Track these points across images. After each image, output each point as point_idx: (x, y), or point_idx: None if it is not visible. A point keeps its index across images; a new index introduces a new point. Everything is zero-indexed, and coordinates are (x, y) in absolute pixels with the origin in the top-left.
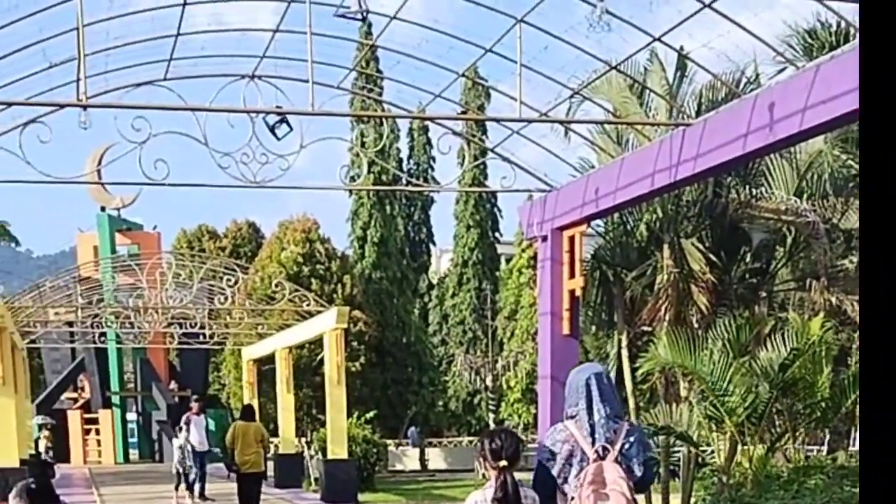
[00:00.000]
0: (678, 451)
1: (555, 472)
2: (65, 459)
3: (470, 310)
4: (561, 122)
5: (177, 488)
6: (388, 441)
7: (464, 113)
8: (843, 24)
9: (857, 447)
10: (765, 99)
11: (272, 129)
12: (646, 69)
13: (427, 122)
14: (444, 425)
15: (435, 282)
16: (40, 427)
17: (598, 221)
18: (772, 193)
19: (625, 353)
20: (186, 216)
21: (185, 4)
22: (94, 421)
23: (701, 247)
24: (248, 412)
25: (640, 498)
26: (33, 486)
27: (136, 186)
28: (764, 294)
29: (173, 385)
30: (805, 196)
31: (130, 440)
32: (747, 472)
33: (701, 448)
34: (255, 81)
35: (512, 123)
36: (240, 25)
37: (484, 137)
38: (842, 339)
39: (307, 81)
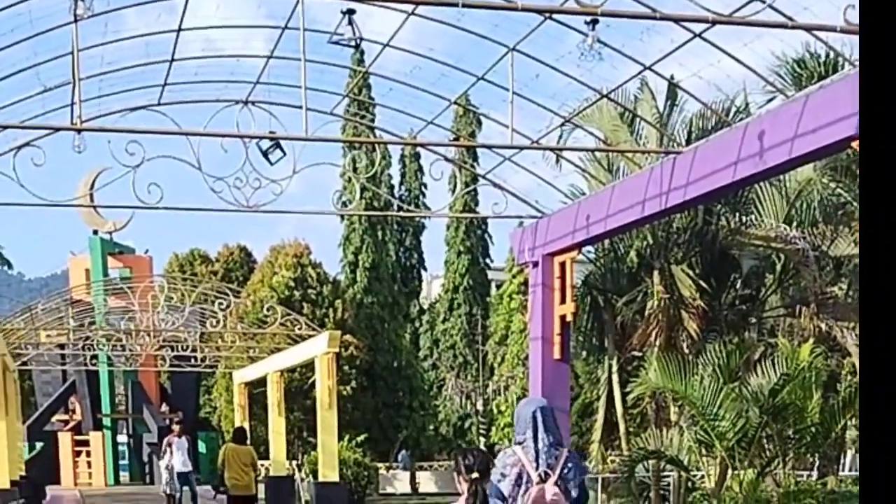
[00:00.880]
0: (668, 476)
1: (505, 491)
2: (55, 481)
3: (461, 335)
4: (552, 150)
5: None
6: (379, 464)
7: (455, 140)
8: (831, 55)
9: (846, 472)
10: (755, 127)
11: (265, 154)
12: (636, 98)
13: (419, 150)
14: (435, 449)
15: (426, 307)
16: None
17: (589, 248)
18: (762, 221)
19: (615, 377)
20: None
21: (179, 30)
22: (85, 443)
23: (691, 273)
24: (239, 435)
25: None
26: None
27: (129, 210)
28: (754, 320)
29: (164, 407)
30: (794, 223)
31: (121, 462)
32: (738, 497)
33: (691, 472)
34: (248, 107)
35: (503, 150)
36: (233, 52)
37: (475, 164)
38: (831, 365)
39: (300, 107)
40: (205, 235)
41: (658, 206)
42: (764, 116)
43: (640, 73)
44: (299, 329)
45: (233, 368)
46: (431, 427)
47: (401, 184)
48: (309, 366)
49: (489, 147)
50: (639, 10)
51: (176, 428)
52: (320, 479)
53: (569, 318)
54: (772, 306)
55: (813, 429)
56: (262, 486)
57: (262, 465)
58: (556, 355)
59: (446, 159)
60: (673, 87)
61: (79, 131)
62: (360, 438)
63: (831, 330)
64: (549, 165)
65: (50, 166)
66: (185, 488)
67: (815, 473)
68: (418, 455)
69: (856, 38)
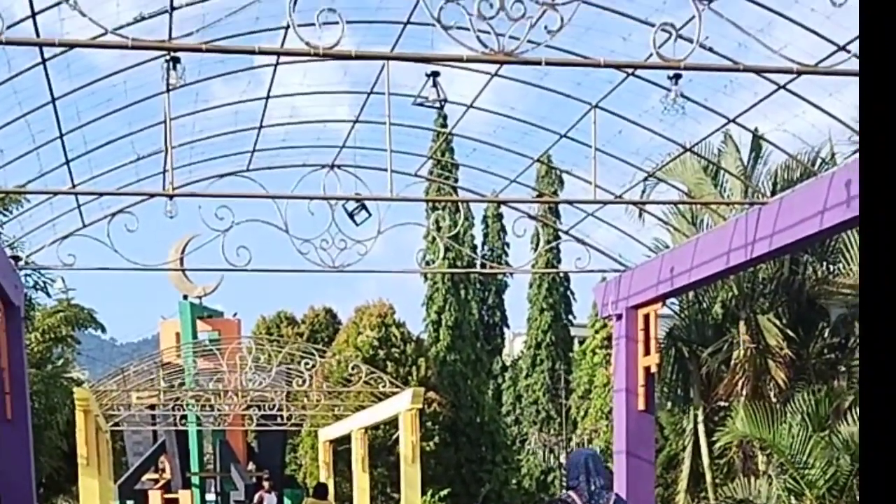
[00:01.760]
0: None
1: None
2: None
3: (543, 390)
4: (635, 204)
5: None
6: None
7: (539, 196)
8: None
9: None
10: (842, 176)
11: (351, 216)
12: (720, 151)
13: (501, 210)
14: (518, 503)
15: (508, 363)
16: None
17: (673, 300)
18: (850, 269)
19: (701, 427)
20: (265, 304)
21: (268, 97)
22: (175, 501)
23: (778, 322)
24: (320, 490)
25: None
26: None
27: (218, 275)
28: (843, 368)
29: (251, 466)
30: None
31: None
32: None
33: None
34: (334, 170)
35: (586, 206)
36: (319, 117)
37: (557, 221)
38: None
39: (385, 170)
40: (291, 298)
41: (743, 257)
42: (851, 164)
43: (723, 126)
44: (383, 387)
45: (318, 426)
46: (514, 481)
47: (483, 243)
48: (392, 423)
49: (572, 203)
50: (722, 63)
51: (266, 484)
52: None
53: (653, 369)
54: None
55: None
56: None
57: None
58: (641, 406)
59: (529, 216)
60: (757, 140)
61: (171, 197)
62: (443, 493)
63: None
64: (632, 220)
65: (142, 233)
66: None
67: None
68: None
69: None
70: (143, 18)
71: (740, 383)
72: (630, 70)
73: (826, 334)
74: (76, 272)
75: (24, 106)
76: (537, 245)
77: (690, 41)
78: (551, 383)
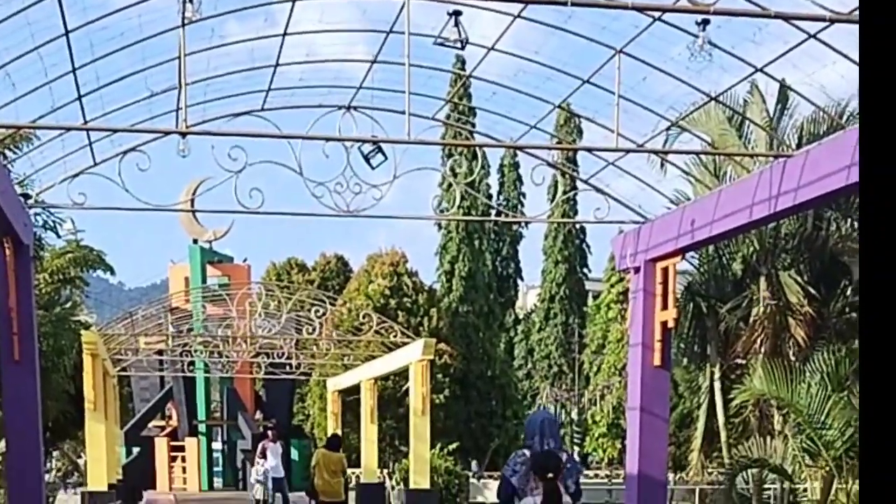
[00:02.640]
0: (770, 489)
1: (515, 484)
2: (151, 485)
3: (556, 344)
4: (657, 153)
5: None
6: (470, 472)
7: (558, 143)
8: None
9: None
10: None
11: (367, 159)
12: (746, 101)
13: (518, 158)
14: None
15: (521, 316)
16: None
17: (692, 255)
18: None
19: (717, 385)
20: (276, 250)
21: (284, 34)
22: (181, 448)
23: (799, 279)
24: (333, 441)
25: None
26: None
27: (228, 220)
28: None
29: (259, 415)
30: None
31: (215, 468)
32: None
33: (795, 483)
34: (350, 112)
35: (607, 155)
36: (337, 57)
37: (576, 170)
38: None
39: (402, 112)
40: (302, 244)
41: (767, 210)
42: None
43: (750, 75)
44: (394, 337)
45: (327, 376)
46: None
47: (499, 193)
48: (402, 374)
49: (593, 150)
50: (752, 9)
51: (271, 433)
52: (411, 486)
53: (670, 324)
54: None
55: None
56: (352, 494)
57: (353, 473)
58: (657, 362)
59: (548, 164)
60: (784, 91)
61: (184, 135)
62: (452, 447)
63: None
64: (654, 170)
65: (153, 173)
66: (278, 495)
67: None
68: None
69: None
70: None
71: (759, 341)
72: (657, 14)
73: (848, 293)
74: (86, 213)
75: (36, 38)
76: (554, 195)
77: None
78: (564, 337)
